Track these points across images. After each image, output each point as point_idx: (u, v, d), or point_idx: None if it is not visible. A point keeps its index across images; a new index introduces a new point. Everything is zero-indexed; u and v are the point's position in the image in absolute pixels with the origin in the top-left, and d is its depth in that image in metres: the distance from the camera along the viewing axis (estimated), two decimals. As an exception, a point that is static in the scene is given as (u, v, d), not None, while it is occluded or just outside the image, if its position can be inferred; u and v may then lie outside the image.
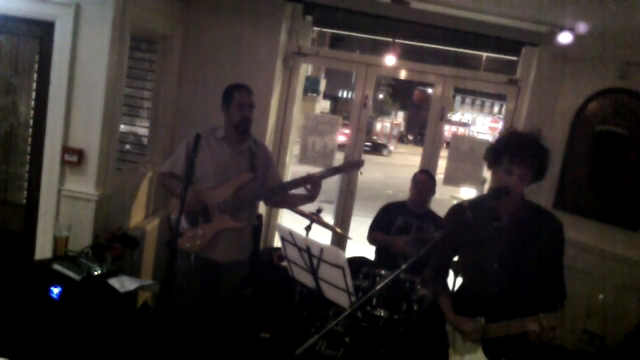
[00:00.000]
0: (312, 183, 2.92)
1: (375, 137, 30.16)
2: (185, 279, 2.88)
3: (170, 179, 2.99)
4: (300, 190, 3.03)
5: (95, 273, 2.83)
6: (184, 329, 3.02)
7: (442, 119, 4.61)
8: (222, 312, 3.10)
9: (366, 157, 3.75)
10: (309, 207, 3.68)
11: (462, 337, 2.23)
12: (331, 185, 4.49)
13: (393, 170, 20.06)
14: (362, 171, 3.30)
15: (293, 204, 3.25)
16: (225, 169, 2.92)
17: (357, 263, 3.68)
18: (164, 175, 3.03)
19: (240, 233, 3.00)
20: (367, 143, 27.63)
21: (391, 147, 29.22)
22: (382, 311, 3.24)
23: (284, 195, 3.05)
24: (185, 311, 2.99)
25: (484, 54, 5.80)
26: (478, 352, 2.16)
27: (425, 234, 3.59)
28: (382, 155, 26.90)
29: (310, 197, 2.96)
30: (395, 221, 3.72)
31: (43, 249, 3.20)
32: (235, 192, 2.89)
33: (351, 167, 3.07)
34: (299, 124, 4.92)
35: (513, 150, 2.10)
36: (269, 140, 4.55)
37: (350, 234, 4.34)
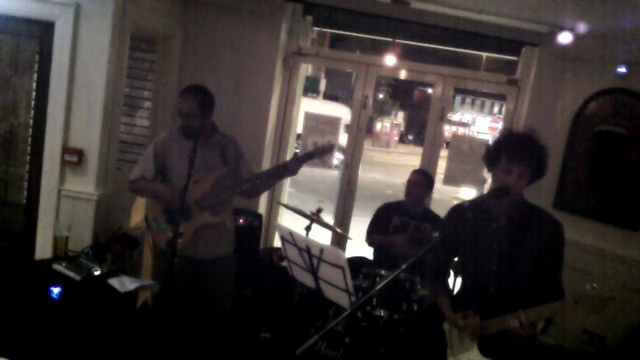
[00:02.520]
0: (287, 172, 2.91)
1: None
2: (167, 283, 2.84)
3: (143, 181, 2.93)
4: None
5: (95, 273, 2.83)
6: (179, 329, 3.00)
7: (442, 119, 4.61)
8: (217, 310, 3.05)
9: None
10: (309, 207, 3.68)
11: (459, 335, 2.23)
12: (331, 185, 4.48)
13: (393, 170, 20.07)
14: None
15: (268, 188, 3.34)
16: (198, 165, 2.81)
17: (357, 263, 3.68)
18: (135, 181, 2.95)
19: (222, 228, 2.98)
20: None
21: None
22: (382, 311, 3.24)
23: (257, 186, 3.02)
24: (175, 312, 2.96)
25: (484, 54, 5.81)
26: (475, 351, 2.17)
27: (422, 233, 3.58)
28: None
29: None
30: (391, 221, 3.71)
31: (43, 249, 3.20)
32: (212, 187, 2.87)
33: (322, 151, 3.03)
34: (299, 124, 4.92)
35: (510, 149, 2.10)
36: (268, 141, 4.55)
37: (350, 234, 4.34)
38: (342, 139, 4.74)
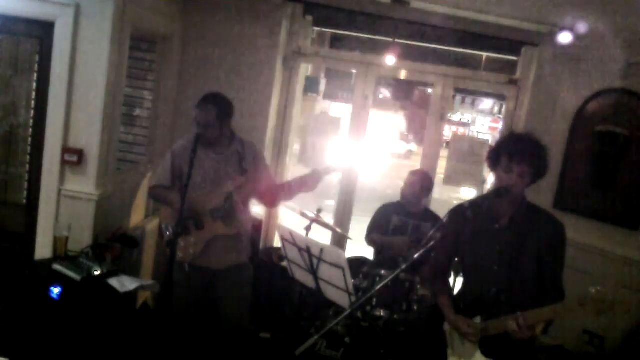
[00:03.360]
0: (312, 182, 2.86)
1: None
2: (181, 290, 2.83)
3: (161, 189, 2.93)
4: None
5: (95, 273, 2.83)
6: (185, 334, 2.99)
7: (442, 119, 4.61)
8: (229, 318, 2.99)
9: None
10: (309, 207, 3.68)
11: (461, 338, 2.23)
12: (331, 184, 4.47)
13: (393, 170, 20.08)
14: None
15: (288, 200, 3.19)
16: (214, 175, 2.84)
17: (357, 263, 3.68)
18: (154, 188, 2.97)
19: (236, 238, 2.91)
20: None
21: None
22: (382, 311, 3.24)
23: (277, 196, 3.00)
24: (185, 322, 2.96)
25: (484, 54, 5.79)
26: (476, 354, 2.17)
27: (422, 233, 3.58)
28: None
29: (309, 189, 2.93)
30: (391, 221, 3.71)
31: (43, 249, 3.20)
32: (227, 197, 2.80)
33: (341, 169, 3.04)
34: (299, 124, 4.91)
35: (512, 149, 2.11)
36: (269, 141, 4.54)
37: (350, 234, 4.34)
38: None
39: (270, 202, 3.15)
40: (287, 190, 2.94)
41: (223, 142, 2.88)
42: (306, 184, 2.85)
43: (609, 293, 1.81)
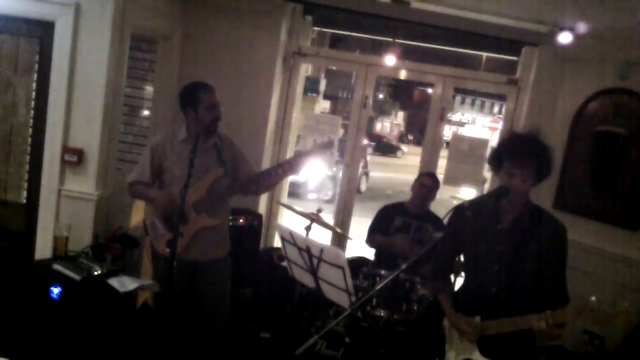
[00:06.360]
0: (286, 170, 2.88)
1: (385, 139, 28.91)
2: (168, 286, 2.85)
3: (141, 185, 2.92)
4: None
5: (95, 273, 2.83)
6: (179, 331, 3.00)
7: (442, 119, 4.61)
8: (214, 312, 3.03)
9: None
10: (309, 207, 3.68)
11: (460, 335, 2.23)
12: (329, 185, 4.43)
13: (393, 170, 20.09)
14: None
15: (271, 187, 3.26)
16: (194, 169, 2.81)
17: (357, 263, 3.68)
18: (132, 184, 2.94)
19: (218, 230, 2.97)
20: (371, 142, 26.40)
21: (404, 149, 28.66)
22: (382, 311, 3.24)
23: (259, 184, 2.99)
24: (174, 315, 2.96)
25: (484, 54, 5.80)
26: (474, 351, 2.17)
27: (424, 233, 3.58)
28: (396, 157, 26.56)
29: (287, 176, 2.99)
30: (393, 222, 3.72)
31: (43, 249, 3.20)
32: (208, 189, 2.85)
33: (322, 148, 2.96)
34: (299, 124, 4.92)
35: (513, 152, 2.10)
36: (269, 140, 4.55)
37: (350, 234, 4.34)
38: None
39: (255, 190, 3.09)
40: (268, 176, 2.94)
41: (205, 136, 2.90)
42: (289, 166, 2.86)
43: (608, 306, 1.79)
